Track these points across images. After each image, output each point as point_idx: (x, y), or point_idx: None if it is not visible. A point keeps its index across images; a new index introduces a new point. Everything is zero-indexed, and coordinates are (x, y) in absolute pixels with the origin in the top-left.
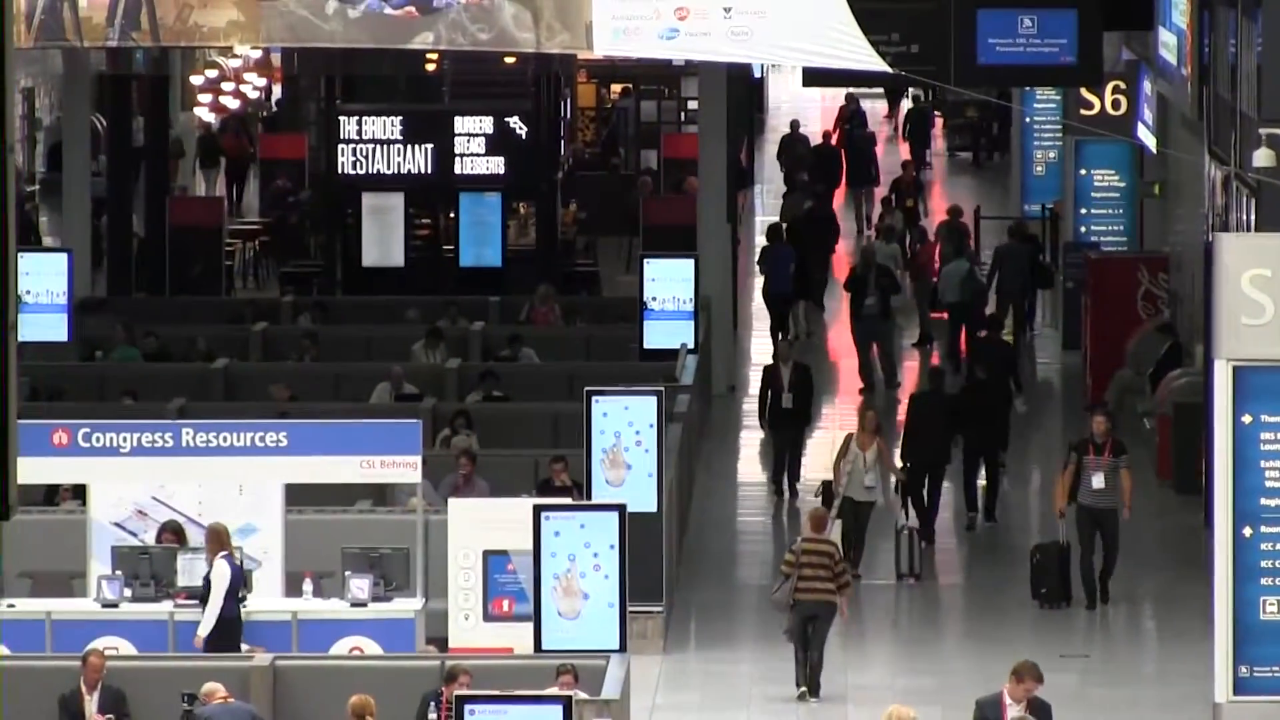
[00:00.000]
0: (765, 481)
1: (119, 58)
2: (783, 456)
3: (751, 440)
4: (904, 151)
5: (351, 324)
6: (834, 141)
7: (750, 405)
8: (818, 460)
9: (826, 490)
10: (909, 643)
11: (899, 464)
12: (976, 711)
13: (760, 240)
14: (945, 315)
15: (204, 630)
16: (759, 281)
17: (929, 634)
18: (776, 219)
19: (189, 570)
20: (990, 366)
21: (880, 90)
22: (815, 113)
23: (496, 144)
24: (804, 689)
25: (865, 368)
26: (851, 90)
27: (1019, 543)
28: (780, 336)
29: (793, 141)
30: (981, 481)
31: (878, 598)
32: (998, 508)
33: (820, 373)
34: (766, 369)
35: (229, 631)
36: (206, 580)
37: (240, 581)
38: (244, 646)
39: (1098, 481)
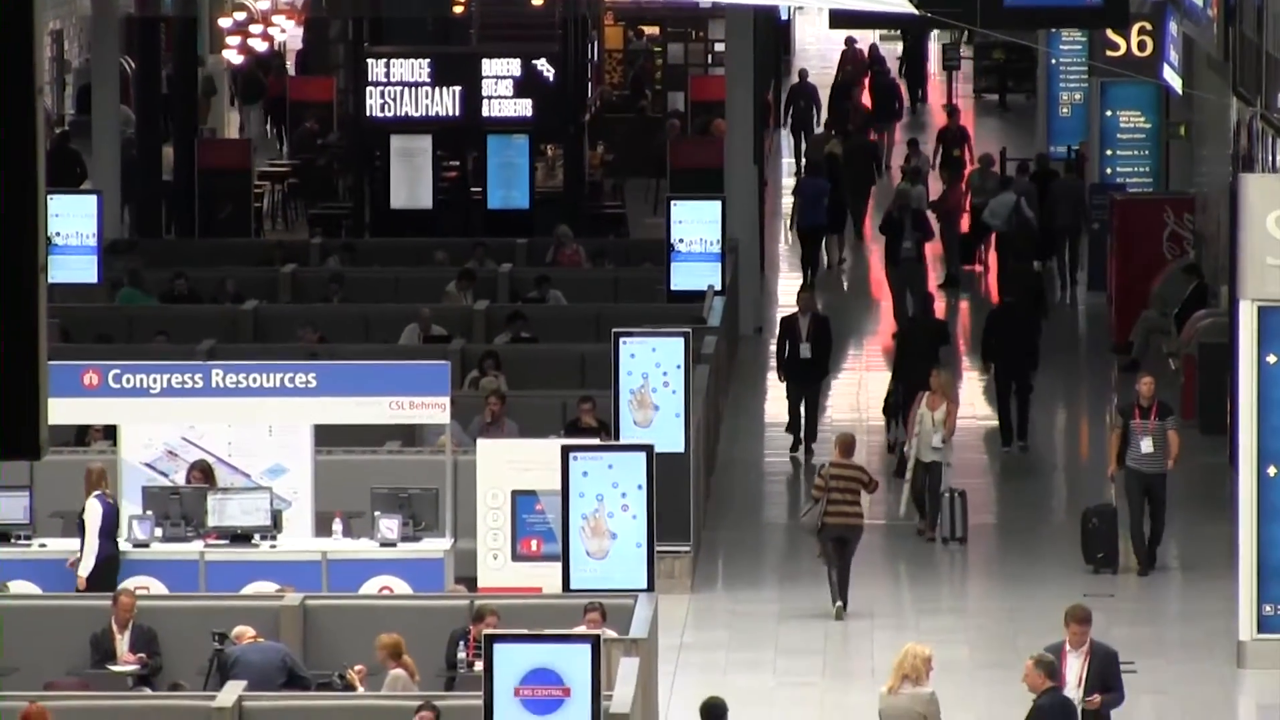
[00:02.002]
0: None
1: (147, 0)
2: (798, 408)
3: (778, 381)
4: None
5: (379, 265)
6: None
7: None
8: (837, 411)
9: (900, 458)
10: (935, 583)
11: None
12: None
13: (787, 181)
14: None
15: (84, 570)
16: (784, 223)
17: (957, 573)
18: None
19: (219, 510)
20: (1020, 294)
21: (898, 33)
22: (838, 56)
23: (524, 86)
24: (839, 604)
25: (900, 311)
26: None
27: (1046, 462)
28: (810, 271)
29: (799, 92)
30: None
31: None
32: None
33: (850, 311)
34: (785, 319)
35: (108, 570)
36: (80, 521)
37: (114, 520)
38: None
39: (1146, 446)
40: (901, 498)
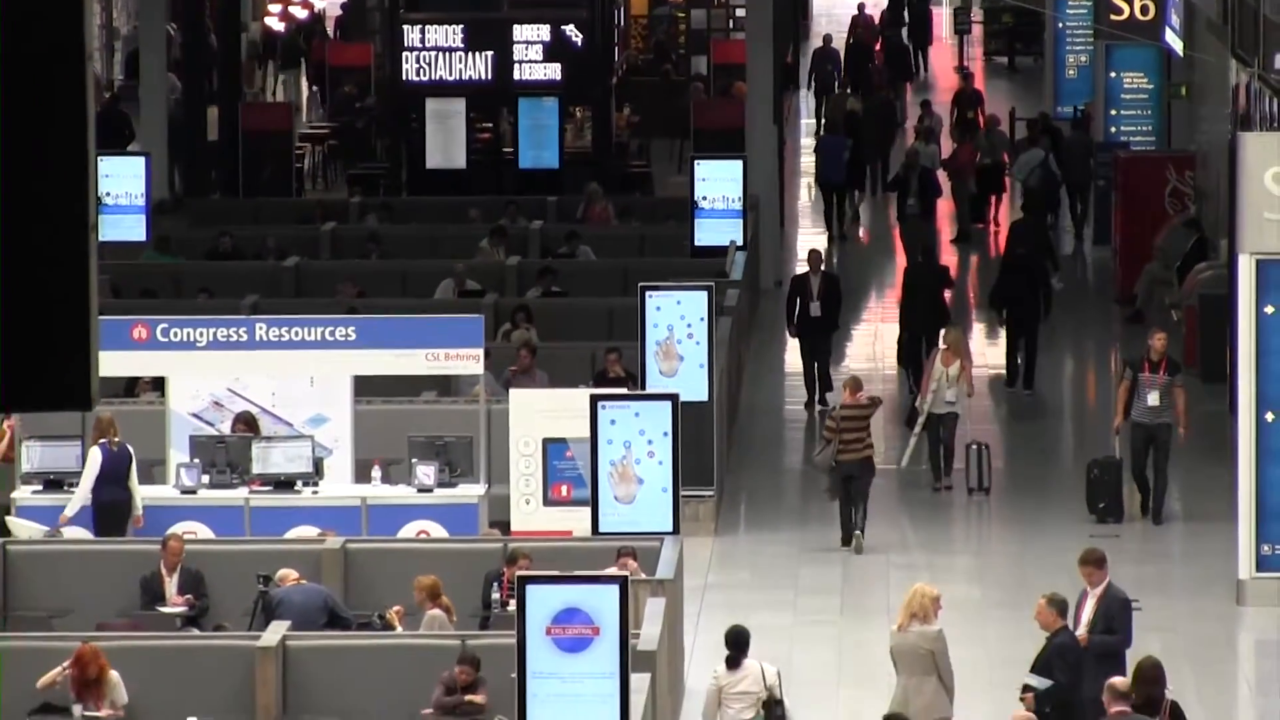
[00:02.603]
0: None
1: None
2: (811, 364)
3: (790, 338)
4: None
5: (416, 223)
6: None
7: None
8: (854, 361)
9: (912, 407)
10: (948, 527)
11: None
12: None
13: (805, 141)
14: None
15: (69, 511)
16: (804, 181)
17: (969, 518)
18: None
19: (263, 458)
20: (1031, 246)
21: None
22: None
23: (553, 51)
24: (856, 538)
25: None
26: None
27: (1053, 409)
28: (831, 225)
29: (824, 56)
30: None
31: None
32: (1035, 378)
33: (866, 264)
34: (795, 278)
35: (111, 515)
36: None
37: (114, 467)
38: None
39: (1152, 399)
40: (907, 448)
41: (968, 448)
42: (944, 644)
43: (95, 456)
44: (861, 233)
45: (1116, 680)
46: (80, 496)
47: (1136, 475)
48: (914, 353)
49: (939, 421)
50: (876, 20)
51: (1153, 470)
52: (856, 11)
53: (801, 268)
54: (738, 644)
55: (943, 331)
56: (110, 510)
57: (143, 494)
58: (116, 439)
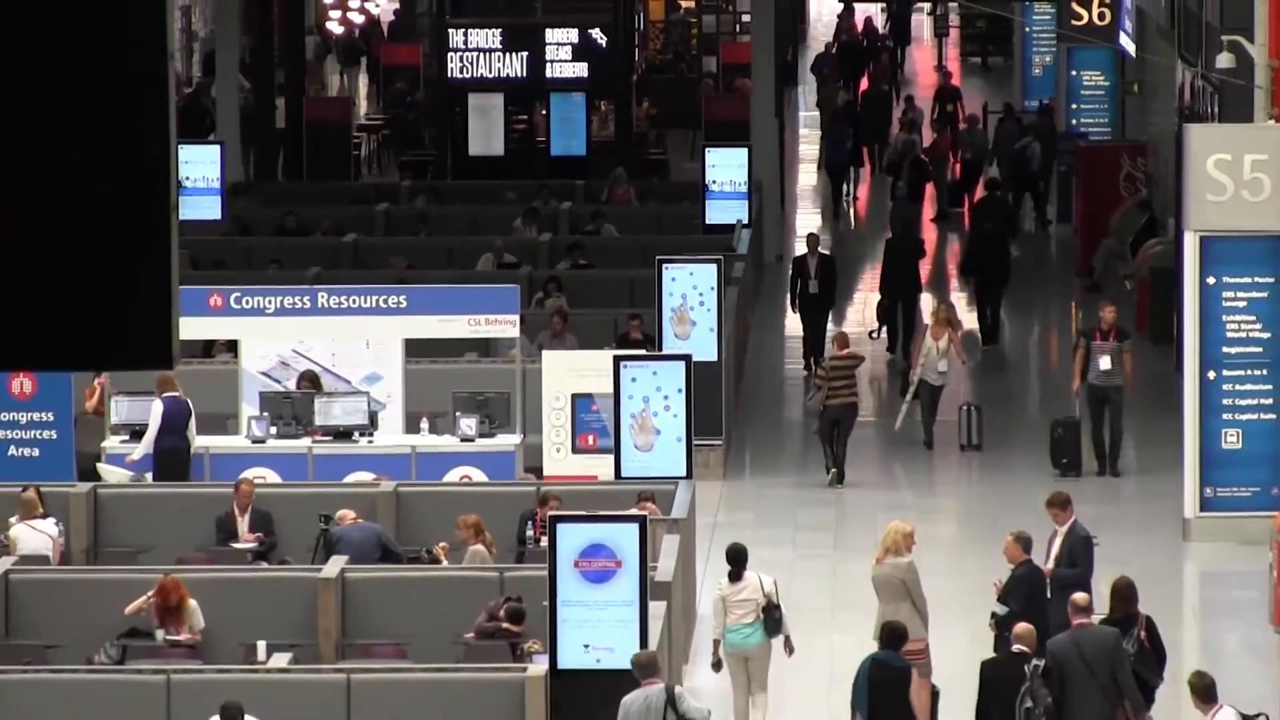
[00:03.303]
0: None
1: None
2: (810, 336)
3: (792, 313)
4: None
5: (459, 204)
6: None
7: None
8: (848, 325)
9: (905, 377)
10: (930, 474)
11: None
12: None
13: (804, 130)
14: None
15: (135, 455)
16: (802, 167)
17: (949, 467)
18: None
19: (324, 412)
20: (994, 220)
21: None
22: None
23: (581, 52)
24: (833, 474)
25: None
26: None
27: (1021, 368)
28: (837, 201)
29: (824, 59)
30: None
31: (918, 449)
32: (999, 335)
33: (864, 239)
34: (796, 259)
35: (172, 462)
36: None
37: (174, 418)
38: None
39: (1104, 363)
40: (900, 412)
41: (960, 409)
42: (915, 574)
43: (157, 408)
44: (860, 211)
45: (1077, 596)
46: (146, 444)
47: (1093, 435)
48: (890, 313)
49: (930, 390)
50: (860, 27)
51: (1108, 428)
52: (840, 17)
53: (801, 248)
54: (737, 559)
55: (933, 307)
56: (169, 456)
57: (217, 443)
58: (177, 393)
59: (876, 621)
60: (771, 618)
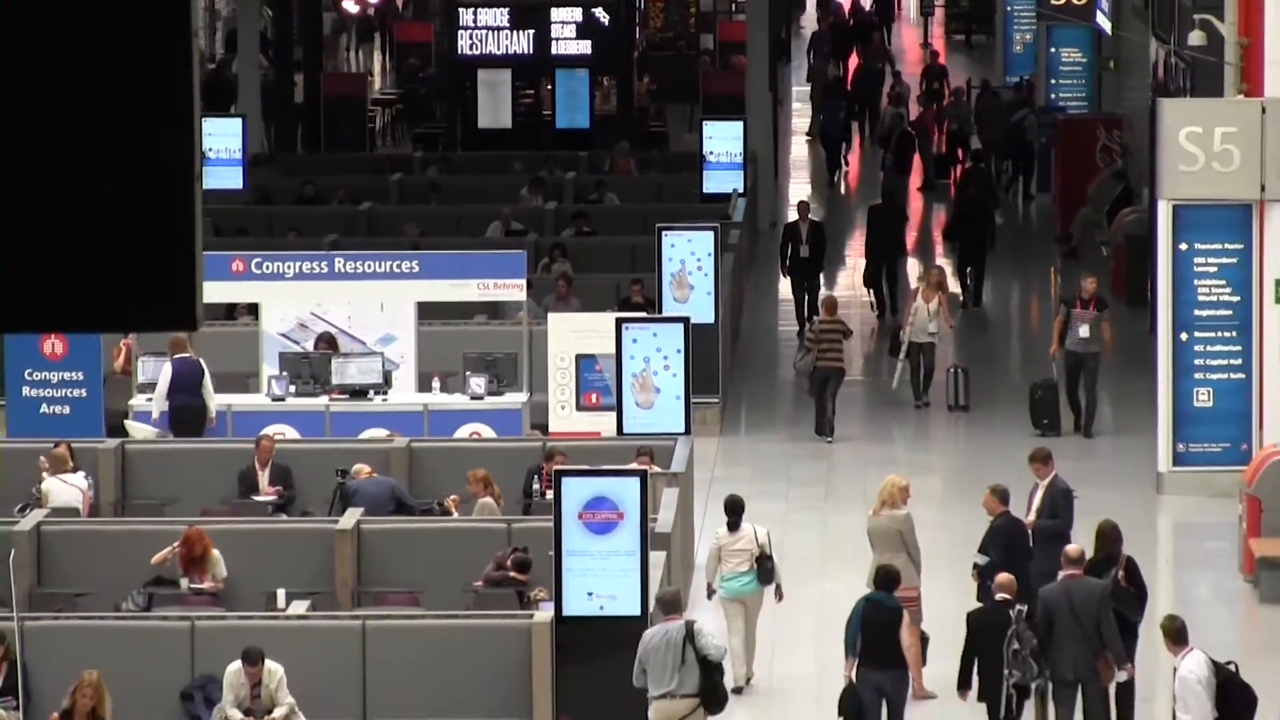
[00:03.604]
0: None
1: None
2: (801, 298)
3: (784, 277)
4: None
5: (469, 174)
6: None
7: None
8: (838, 290)
9: (895, 337)
10: (918, 431)
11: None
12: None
13: (796, 105)
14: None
15: (154, 414)
16: (795, 139)
17: (935, 425)
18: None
19: (341, 371)
20: (978, 188)
21: None
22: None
23: (584, 30)
24: (827, 436)
25: None
26: None
27: (1003, 329)
28: (833, 170)
29: (822, 34)
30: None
31: (908, 409)
32: (983, 296)
33: (856, 207)
34: (787, 225)
35: (186, 419)
36: None
37: (186, 378)
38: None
39: (1083, 331)
40: (895, 372)
41: (948, 371)
42: (911, 526)
43: (166, 370)
44: (850, 181)
45: (1070, 548)
46: (157, 402)
47: (1070, 397)
48: (875, 275)
49: (920, 350)
50: (848, 6)
51: (1084, 392)
52: None
53: (793, 215)
54: (734, 510)
55: (923, 270)
56: (181, 413)
57: (239, 400)
58: (188, 354)
59: (870, 570)
60: (764, 567)
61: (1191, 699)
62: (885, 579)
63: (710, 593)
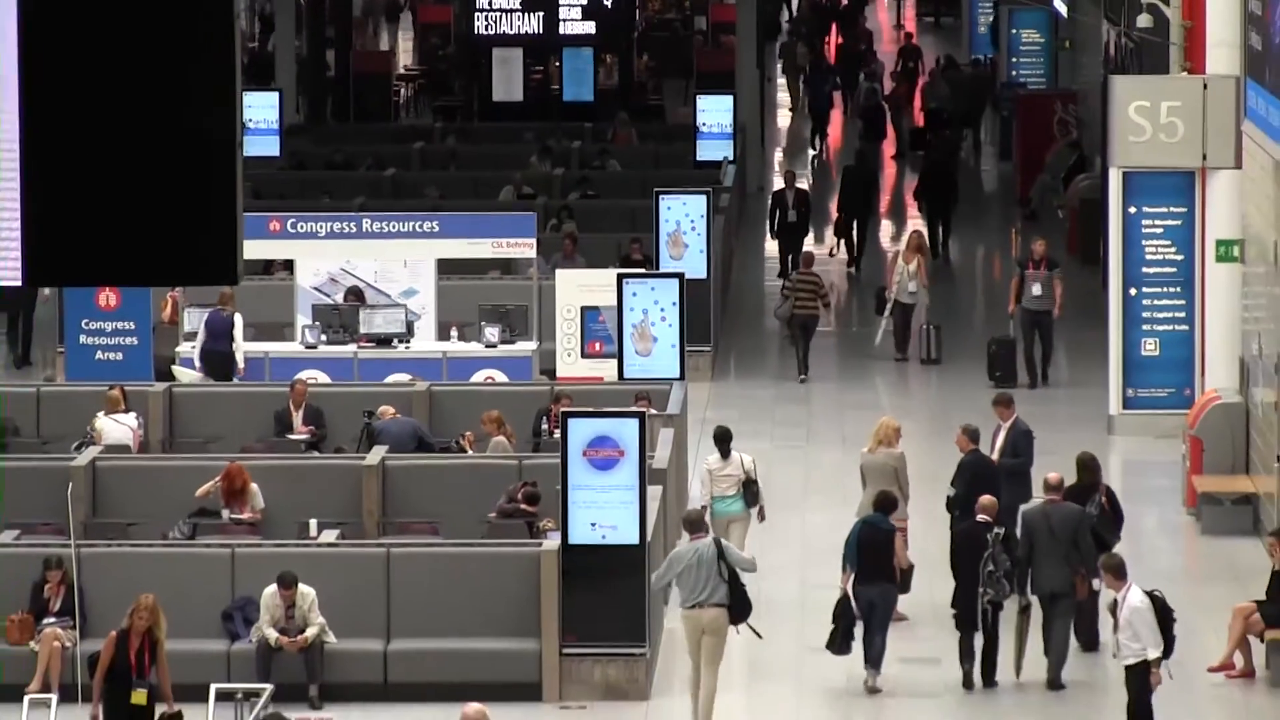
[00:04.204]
0: None
1: None
2: (787, 257)
3: (771, 240)
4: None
5: (484, 143)
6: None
7: None
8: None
9: (880, 296)
10: (895, 381)
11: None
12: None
13: (781, 80)
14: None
15: (195, 359)
16: (780, 111)
17: (908, 376)
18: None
19: (368, 321)
20: (942, 155)
21: None
22: None
23: (589, 11)
24: (802, 375)
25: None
26: None
27: (965, 283)
28: (819, 139)
29: (804, 17)
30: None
31: (888, 363)
32: (951, 249)
33: (834, 175)
34: (775, 192)
35: (216, 364)
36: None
37: (220, 327)
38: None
39: (1036, 289)
40: (879, 330)
41: (921, 328)
42: (904, 463)
43: (203, 320)
44: (831, 149)
45: (1050, 476)
46: (196, 350)
47: (1025, 353)
48: (846, 227)
49: (902, 309)
50: None
51: (1039, 346)
52: None
53: (779, 183)
54: (723, 440)
55: (907, 235)
56: (209, 357)
57: (276, 348)
58: (221, 307)
59: (862, 503)
60: (750, 491)
61: (1145, 629)
62: (883, 502)
63: (702, 510)
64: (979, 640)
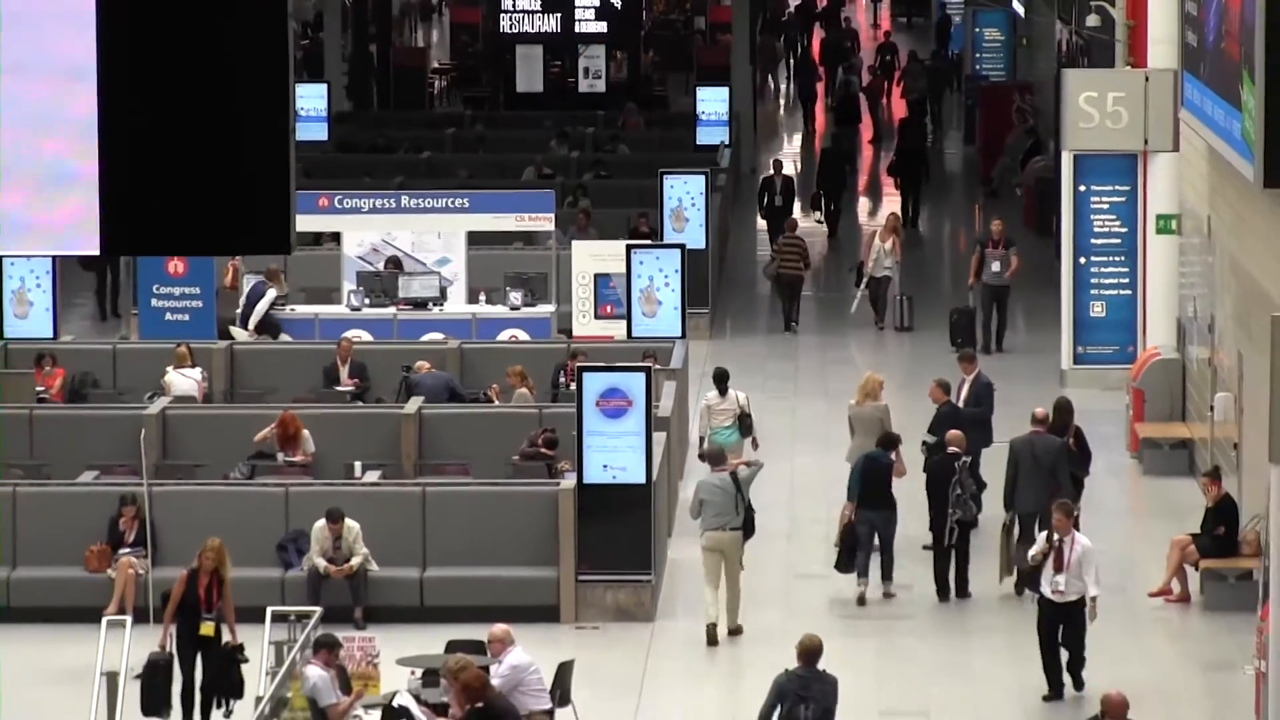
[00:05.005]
0: None
1: None
2: (774, 233)
3: (761, 219)
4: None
5: (508, 129)
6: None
7: None
8: (803, 221)
9: (859, 270)
10: (872, 342)
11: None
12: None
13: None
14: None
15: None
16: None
17: (885, 339)
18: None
19: (406, 287)
20: (915, 138)
21: None
22: None
23: (602, 12)
24: (793, 325)
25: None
26: None
27: (934, 258)
28: (808, 123)
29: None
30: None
31: (868, 332)
32: (920, 222)
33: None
34: (764, 178)
35: (267, 328)
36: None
37: (253, 296)
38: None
39: (995, 265)
40: (855, 301)
41: (895, 298)
42: (888, 414)
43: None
44: (816, 134)
45: (1037, 410)
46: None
47: (984, 323)
48: (821, 201)
49: (877, 282)
50: None
51: (996, 317)
52: None
53: (769, 169)
54: (721, 379)
55: (884, 215)
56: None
57: (324, 310)
58: (269, 282)
59: (851, 449)
60: (744, 424)
61: (1093, 568)
62: (886, 440)
63: (701, 441)
64: (953, 559)
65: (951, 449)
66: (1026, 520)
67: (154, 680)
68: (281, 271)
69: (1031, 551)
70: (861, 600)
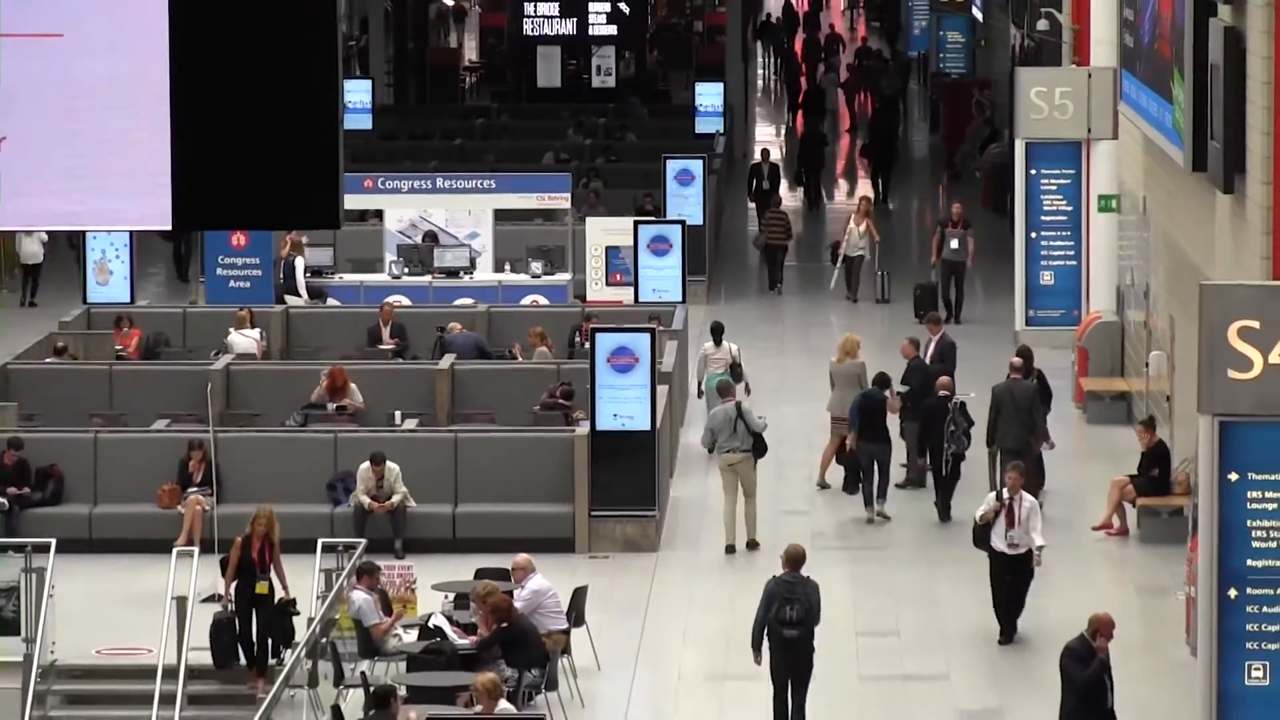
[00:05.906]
0: None
1: None
2: (762, 212)
3: (750, 203)
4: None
5: (530, 120)
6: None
7: None
8: (787, 200)
9: (835, 249)
10: (850, 312)
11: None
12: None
13: (760, 71)
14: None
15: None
16: (758, 95)
17: (861, 310)
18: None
19: (440, 257)
20: (887, 125)
21: None
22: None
23: (612, 17)
24: (777, 285)
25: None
26: None
27: (902, 234)
28: (798, 112)
29: (767, 25)
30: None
31: (845, 304)
32: (891, 199)
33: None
34: (753, 164)
35: (315, 294)
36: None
37: (285, 268)
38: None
39: (954, 244)
40: (833, 278)
41: (876, 274)
42: (865, 370)
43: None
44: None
45: (1015, 359)
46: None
47: (944, 295)
48: (801, 180)
49: (851, 261)
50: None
51: (954, 290)
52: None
53: (757, 156)
54: (716, 332)
55: (859, 199)
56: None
57: (369, 278)
58: (292, 253)
59: (831, 400)
60: (736, 372)
61: (1039, 522)
62: (880, 380)
63: (699, 385)
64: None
65: (942, 393)
66: (1007, 455)
67: (220, 638)
68: (303, 239)
69: (981, 510)
70: (881, 515)
